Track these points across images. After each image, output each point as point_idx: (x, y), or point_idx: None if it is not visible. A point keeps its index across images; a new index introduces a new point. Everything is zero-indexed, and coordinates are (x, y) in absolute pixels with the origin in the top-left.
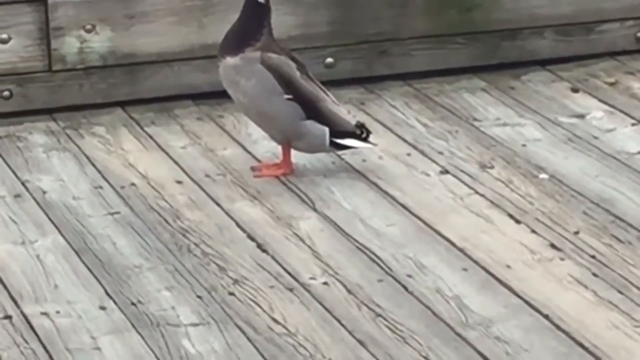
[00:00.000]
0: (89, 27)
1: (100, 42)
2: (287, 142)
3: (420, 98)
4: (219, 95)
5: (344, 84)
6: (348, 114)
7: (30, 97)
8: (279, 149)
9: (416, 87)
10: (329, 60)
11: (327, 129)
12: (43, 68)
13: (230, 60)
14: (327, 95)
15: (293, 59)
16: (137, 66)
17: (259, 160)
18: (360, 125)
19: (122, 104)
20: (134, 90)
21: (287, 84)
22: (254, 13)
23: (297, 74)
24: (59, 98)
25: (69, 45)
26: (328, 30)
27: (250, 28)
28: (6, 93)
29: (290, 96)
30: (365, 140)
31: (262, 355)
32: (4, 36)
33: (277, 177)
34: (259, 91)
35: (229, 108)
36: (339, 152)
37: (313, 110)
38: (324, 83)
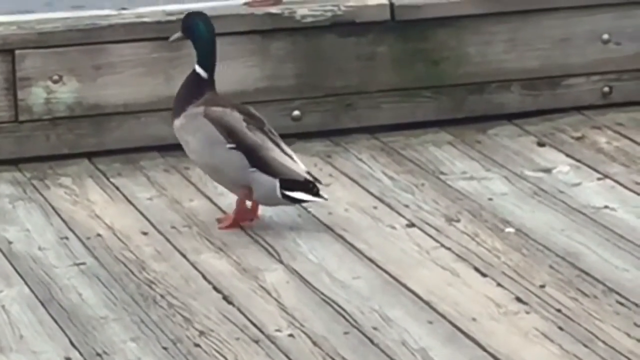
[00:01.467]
0: (55, 77)
1: (67, 92)
2: (244, 193)
3: (386, 151)
4: None
5: (311, 136)
6: (298, 165)
7: None
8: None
9: (383, 140)
10: (296, 113)
11: (276, 181)
12: (9, 118)
13: (177, 122)
14: (278, 146)
15: (244, 112)
16: (104, 117)
17: (225, 212)
18: (310, 179)
19: (89, 155)
20: (100, 141)
21: (230, 133)
22: (196, 81)
23: (242, 124)
24: (25, 148)
25: (35, 95)
26: (295, 83)
27: (194, 90)
28: None
29: (233, 145)
30: (316, 194)
31: None
32: None
33: (240, 227)
34: (203, 143)
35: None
36: (305, 205)
37: (257, 159)
38: (290, 135)
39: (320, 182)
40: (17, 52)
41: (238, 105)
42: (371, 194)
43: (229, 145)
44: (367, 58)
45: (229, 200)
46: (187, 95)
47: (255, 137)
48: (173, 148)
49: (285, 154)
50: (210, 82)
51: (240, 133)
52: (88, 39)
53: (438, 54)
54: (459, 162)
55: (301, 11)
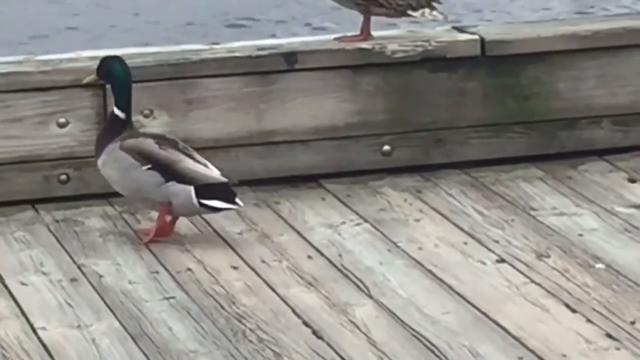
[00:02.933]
0: (146, 112)
1: (157, 127)
2: (165, 209)
3: (477, 187)
4: (276, 182)
5: (401, 171)
6: (212, 171)
7: (88, 181)
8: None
9: (473, 176)
10: (386, 148)
11: (191, 188)
12: None
13: (99, 161)
14: (192, 158)
15: (157, 137)
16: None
17: (315, 247)
18: (225, 180)
19: None
20: None
21: (144, 156)
22: (115, 121)
23: (155, 146)
24: None
25: None
26: (385, 118)
27: (113, 130)
28: (63, 177)
29: (149, 166)
30: (231, 201)
31: None
32: (62, 120)
33: (329, 261)
34: (122, 172)
35: (285, 195)
36: (394, 240)
37: (172, 172)
38: (380, 170)
39: (236, 184)
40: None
41: (152, 134)
42: (461, 229)
43: (144, 167)
44: (458, 93)
45: (319, 234)
46: (107, 136)
47: (168, 154)
48: (263, 182)
49: (199, 163)
50: (127, 121)
51: (153, 153)
52: (179, 74)
53: (528, 89)
54: (550, 198)
55: (392, 46)
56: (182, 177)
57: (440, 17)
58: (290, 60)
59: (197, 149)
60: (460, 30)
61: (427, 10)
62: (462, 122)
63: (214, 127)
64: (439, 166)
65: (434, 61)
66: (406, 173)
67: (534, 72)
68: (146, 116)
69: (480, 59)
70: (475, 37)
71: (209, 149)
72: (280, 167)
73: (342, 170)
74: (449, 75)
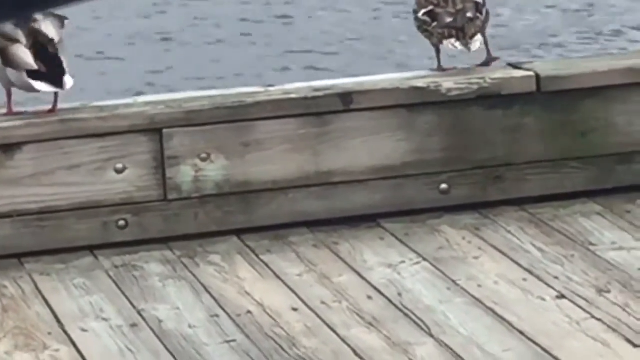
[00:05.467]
0: (204, 155)
1: (215, 170)
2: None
3: (535, 223)
4: (335, 222)
5: (459, 209)
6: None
7: (146, 226)
8: None
9: (531, 212)
10: (444, 186)
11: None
12: (158, 197)
13: None
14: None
15: None
16: (252, 194)
17: (374, 287)
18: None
19: (238, 232)
20: (249, 218)
21: None
22: None
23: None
24: (174, 227)
25: (184, 174)
26: (442, 157)
27: None
28: (122, 223)
29: None
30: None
31: None
32: (120, 166)
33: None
34: None
35: (344, 235)
36: (454, 278)
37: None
38: (438, 209)
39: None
40: (164, 131)
41: None
42: (520, 266)
43: None
44: (514, 130)
45: (378, 274)
46: None
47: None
48: (322, 223)
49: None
50: None
51: None
52: (235, 117)
53: (585, 124)
54: (609, 233)
55: (447, 84)
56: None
57: (460, 47)
58: (345, 101)
59: (256, 191)
60: (515, 66)
61: (452, 40)
62: (519, 158)
63: (272, 169)
64: (496, 203)
65: (490, 98)
66: (464, 211)
67: (590, 107)
68: (203, 160)
69: (536, 95)
70: (531, 73)
71: (267, 191)
72: (338, 207)
73: (400, 209)
74: (505, 112)
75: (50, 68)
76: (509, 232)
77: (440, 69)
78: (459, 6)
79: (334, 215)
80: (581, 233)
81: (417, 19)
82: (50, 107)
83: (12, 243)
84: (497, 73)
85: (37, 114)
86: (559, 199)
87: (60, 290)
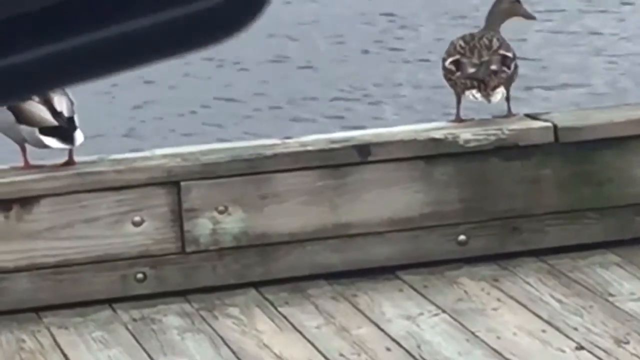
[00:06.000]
0: (221, 208)
1: (233, 223)
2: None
3: (554, 274)
4: (353, 275)
5: (477, 261)
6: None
7: (164, 279)
8: None
9: (550, 263)
10: (462, 237)
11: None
12: (176, 250)
13: None
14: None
15: None
16: (270, 246)
17: (393, 339)
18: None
19: (256, 285)
20: (267, 270)
21: None
22: None
23: None
24: (192, 280)
25: (201, 226)
26: (460, 208)
27: None
28: (140, 276)
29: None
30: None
31: None
32: (137, 219)
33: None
34: None
35: (362, 287)
36: (473, 329)
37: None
38: (457, 260)
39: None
40: (182, 183)
41: None
42: (539, 317)
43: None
44: (532, 181)
45: (397, 326)
46: None
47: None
48: (340, 275)
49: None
50: None
51: None
52: (253, 169)
53: (603, 175)
54: (627, 283)
55: (464, 135)
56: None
57: (480, 98)
58: (363, 153)
59: (273, 244)
60: (533, 117)
61: (473, 91)
62: (537, 209)
63: (289, 221)
64: (515, 254)
65: (507, 149)
66: (482, 262)
67: (607, 157)
68: (221, 212)
69: (554, 145)
70: (548, 124)
71: (285, 243)
72: (357, 259)
73: (418, 261)
74: (523, 163)
75: (61, 124)
76: (528, 283)
77: (458, 119)
78: (485, 58)
79: (352, 268)
80: (600, 284)
81: (444, 67)
82: (66, 159)
83: (30, 297)
84: (514, 124)
85: (53, 167)
86: (577, 250)
87: (79, 344)
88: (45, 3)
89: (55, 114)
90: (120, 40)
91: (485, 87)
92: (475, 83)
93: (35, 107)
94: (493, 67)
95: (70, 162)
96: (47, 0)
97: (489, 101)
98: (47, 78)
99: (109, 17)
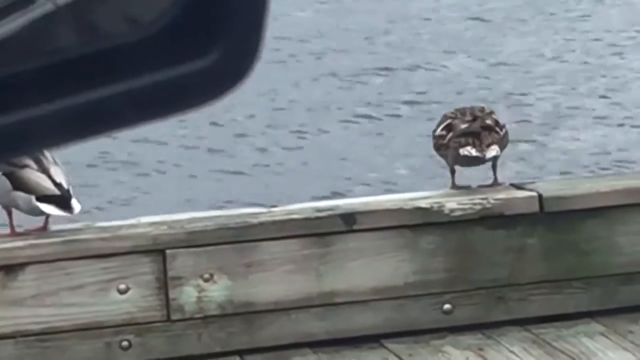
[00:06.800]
0: (207, 276)
1: (218, 291)
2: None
3: (538, 343)
4: (337, 343)
5: (462, 330)
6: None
7: (149, 347)
8: None
9: (534, 332)
10: (447, 306)
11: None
12: (161, 318)
13: None
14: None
15: None
16: (255, 315)
17: None
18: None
19: (241, 353)
20: (252, 339)
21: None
22: None
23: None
24: (177, 348)
25: (187, 294)
26: (445, 277)
27: None
28: (125, 343)
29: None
30: (65, 207)
31: None
32: (122, 286)
33: None
34: None
35: (347, 356)
36: None
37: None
38: (442, 329)
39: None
40: (167, 251)
41: None
42: None
43: None
44: (517, 250)
45: None
46: None
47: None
48: (325, 344)
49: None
50: None
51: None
52: (239, 237)
53: (588, 244)
54: (612, 353)
55: (450, 205)
56: (22, 185)
57: (475, 153)
58: (348, 222)
59: (258, 312)
60: (518, 187)
61: (468, 148)
62: (522, 279)
63: (275, 289)
64: (500, 323)
65: (493, 219)
66: (467, 331)
67: (592, 227)
68: (206, 280)
69: (539, 215)
70: (533, 193)
71: (270, 311)
72: (341, 328)
73: (403, 329)
74: (508, 232)
75: (63, 193)
76: (512, 352)
77: (455, 187)
78: (478, 114)
79: (337, 336)
80: (584, 353)
81: (434, 137)
82: (41, 224)
83: None
84: (500, 193)
85: (39, 235)
86: (562, 319)
87: None
88: (48, 62)
89: (55, 183)
90: (97, 105)
91: (480, 142)
92: (470, 140)
93: (35, 176)
94: (488, 122)
95: (44, 228)
96: (50, 58)
97: (484, 156)
98: (49, 136)
99: (89, 84)
